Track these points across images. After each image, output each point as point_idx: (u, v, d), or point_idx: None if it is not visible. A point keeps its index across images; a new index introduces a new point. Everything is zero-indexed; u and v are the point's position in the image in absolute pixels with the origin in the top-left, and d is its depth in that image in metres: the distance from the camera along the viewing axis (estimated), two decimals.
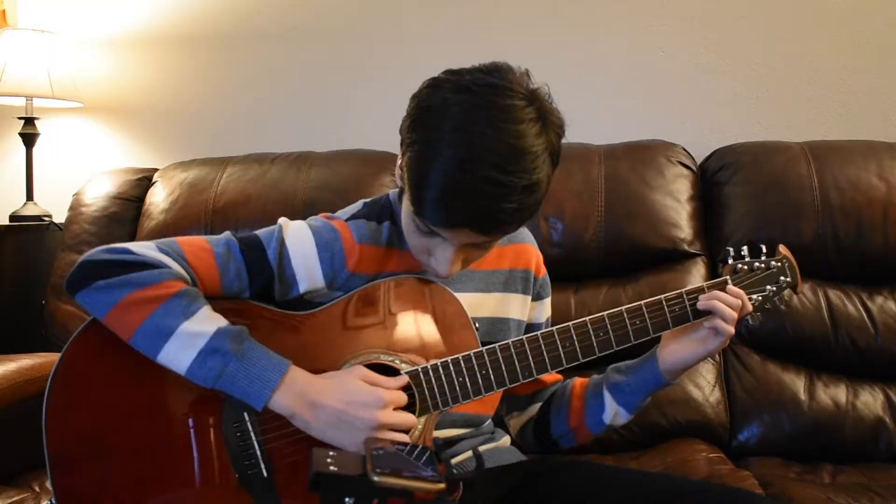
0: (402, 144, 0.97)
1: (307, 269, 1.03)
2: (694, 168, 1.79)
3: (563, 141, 1.93)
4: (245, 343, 0.93)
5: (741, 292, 1.07)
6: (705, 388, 1.61)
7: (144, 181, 1.99)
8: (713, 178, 1.78)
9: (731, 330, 1.06)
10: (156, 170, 2.03)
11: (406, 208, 0.98)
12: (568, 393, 1.22)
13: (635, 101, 2.05)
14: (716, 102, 2.02)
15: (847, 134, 1.94)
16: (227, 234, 1.04)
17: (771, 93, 2.00)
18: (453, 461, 1.05)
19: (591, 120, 2.04)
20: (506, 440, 1.20)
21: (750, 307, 1.08)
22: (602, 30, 2.06)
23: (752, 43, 2.00)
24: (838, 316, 1.62)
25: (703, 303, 1.06)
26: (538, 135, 0.91)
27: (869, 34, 1.95)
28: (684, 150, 1.81)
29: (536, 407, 1.25)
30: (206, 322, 0.93)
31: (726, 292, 1.07)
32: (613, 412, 1.16)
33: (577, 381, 1.22)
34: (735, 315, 1.05)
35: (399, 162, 0.98)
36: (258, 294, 1.03)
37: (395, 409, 0.95)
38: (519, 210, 0.90)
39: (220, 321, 0.94)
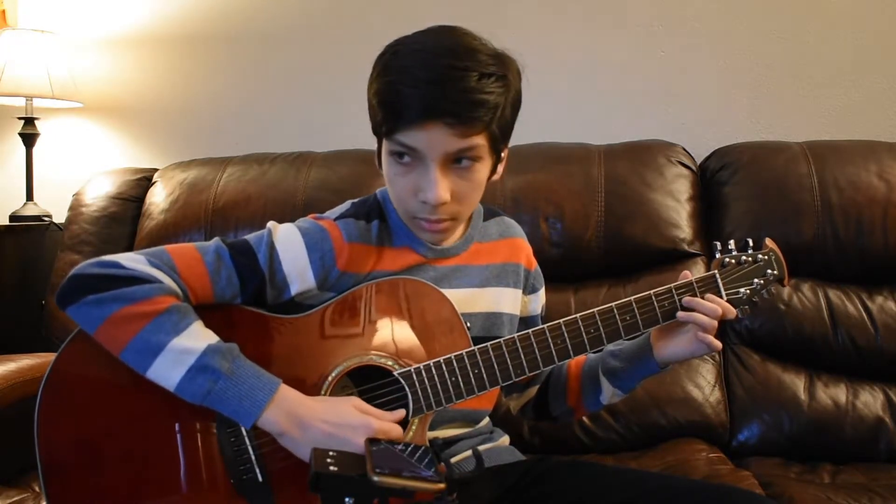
0: (369, 98, 1.01)
1: (298, 271, 1.03)
2: (694, 168, 1.79)
3: (563, 141, 1.93)
4: (235, 361, 0.93)
5: (720, 300, 1.07)
6: (705, 388, 1.61)
7: (144, 181, 1.99)
8: (713, 178, 1.79)
9: (710, 339, 1.06)
10: (156, 170, 2.03)
11: (385, 153, 1.00)
12: (564, 374, 1.24)
13: (635, 101, 2.05)
14: (716, 102, 2.02)
15: (847, 134, 1.94)
16: (216, 240, 1.03)
17: (771, 93, 2.00)
18: (452, 461, 1.05)
19: (591, 120, 2.04)
20: (505, 440, 1.20)
21: (733, 313, 1.08)
22: (602, 30, 2.06)
23: (751, 43, 2.00)
24: (838, 316, 1.62)
25: (681, 314, 1.06)
26: (491, 50, 0.99)
27: (870, 34, 1.95)
28: (684, 150, 1.81)
29: (535, 389, 1.27)
30: (196, 339, 0.92)
31: (705, 299, 1.07)
32: (610, 394, 1.19)
33: (573, 362, 1.23)
34: (713, 324, 1.05)
35: (371, 121, 1.01)
36: (250, 299, 1.02)
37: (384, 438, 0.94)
38: (483, 93, 0.94)
39: (211, 338, 0.94)
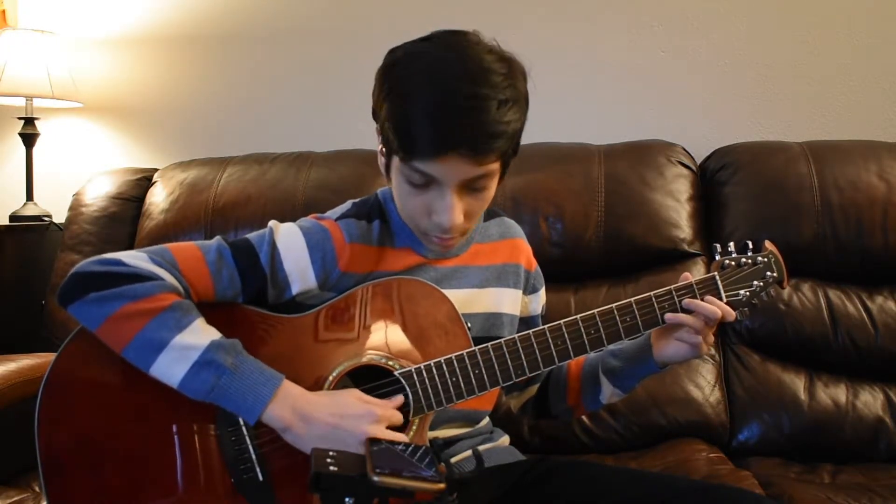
0: (377, 110, 0.99)
1: (299, 271, 1.03)
2: (694, 168, 1.79)
3: (563, 141, 1.93)
4: (238, 356, 0.93)
5: (720, 302, 1.07)
6: (705, 388, 1.61)
7: (144, 181, 1.99)
8: (713, 178, 1.78)
9: (698, 340, 1.06)
10: (156, 170, 2.03)
11: (396, 169, 0.98)
12: (564, 374, 1.24)
13: (635, 101, 2.05)
14: (716, 102, 2.02)
15: (847, 134, 1.94)
16: (217, 239, 1.03)
17: (771, 93, 2.00)
18: (452, 461, 1.05)
19: (591, 120, 2.04)
20: (505, 440, 1.21)
21: (732, 315, 1.08)
22: (602, 30, 2.06)
23: (752, 43, 2.00)
24: (838, 316, 1.62)
25: (669, 317, 1.06)
26: (500, 61, 0.95)
27: (869, 34, 1.95)
28: (684, 150, 1.81)
29: (535, 388, 1.27)
30: (199, 335, 0.92)
31: (705, 301, 1.07)
32: (609, 393, 1.19)
33: (573, 361, 1.23)
34: (702, 325, 1.06)
35: (379, 136, 1.00)
36: (251, 298, 1.02)
37: (387, 427, 0.95)
38: (501, 124, 0.92)
39: (214, 334, 0.94)
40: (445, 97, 0.90)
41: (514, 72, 0.97)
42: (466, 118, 0.91)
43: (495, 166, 0.97)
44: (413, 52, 0.96)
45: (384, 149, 1.01)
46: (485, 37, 0.99)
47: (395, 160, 0.97)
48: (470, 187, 0.98)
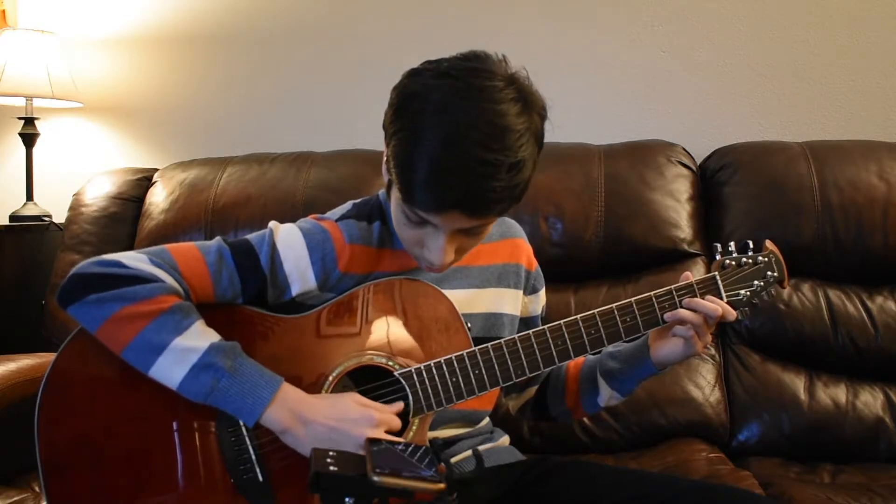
0: (386, 136, 0.96)
1: (299, 272, 1.03)
2: (694, 168, 1.79)
3: (563, 141, 1.93)
4: (237, 359, 0.93)
5: (721, 301, 1.08)
6: (705, 388, 1.61)
7: (144, 181, 1.99)
8: (713, 178, 1.79)
9: (691, 334, 1.06)
10: (156, 170, 2.03)
11: (395, 199, 0.97)
12: (563, 375, 1.24)
13: (635, 101, 2.05)
14: (716, 102, 2.02)
15: (847, 134, 1.94)
16: (217, 240, 1.03)
17: (771, 93, 2.00)
18: (452, 461, 1.05)
19: (591, 120, 2.04)
20: (505, 440, 1.21)
21: (733, 314, 1.07)
22: (602, 30, 2.06)
23: (752, 43, 2.00)
24: (838, 316, 1.62)
25: (668, 315, 1.06)
26: (520, 114, 0.91)
27: (869, 34, 1.95)
28: (684, 150, 1.81)
29: (533, 389, 1.27)
30: (198, 337, 0.93)
31: (704, 300, 1.07)
32: (608, 396, 1.19)
33: (571, 363, 1.23)
34: (699, 321, 1.05)
35: (385, 157, 0.98)
36: (251, 299, 1.02)
37: (386, 431, 0.94)
38: (507, 188, 0.90)
39: (213, 336, 0.94)
40: (454, 159, 0.87)
41: (532, 121, 0.93)
42: (472, 183, 0.88)
43: (495, 216, 0.96)
44: (431, 88, 0.90)
45: (387, 171, 0.99)
46: (511, 66, 0.95)
47: (396, 189, 0.95)
48: (466, 232, 0.97)
